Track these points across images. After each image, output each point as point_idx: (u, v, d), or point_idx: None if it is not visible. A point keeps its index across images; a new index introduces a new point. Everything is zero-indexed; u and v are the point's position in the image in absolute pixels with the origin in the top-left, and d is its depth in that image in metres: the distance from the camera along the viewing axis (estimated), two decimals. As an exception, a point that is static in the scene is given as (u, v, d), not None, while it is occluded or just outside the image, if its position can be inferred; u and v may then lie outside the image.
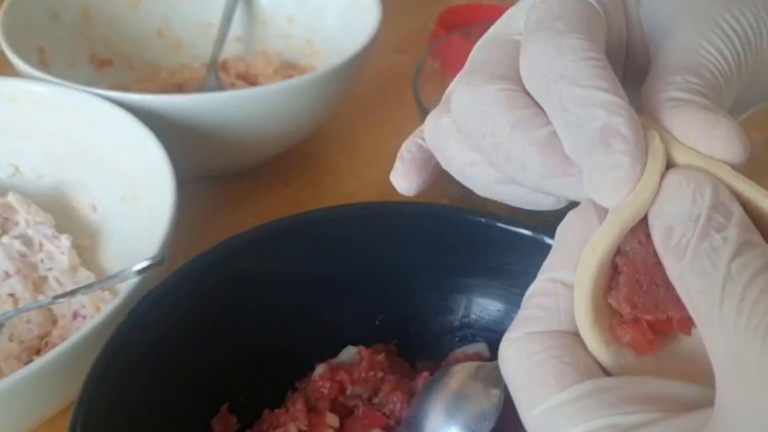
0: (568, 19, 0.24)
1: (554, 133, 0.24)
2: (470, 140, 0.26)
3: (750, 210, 0.22)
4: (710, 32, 0.25)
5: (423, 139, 0.30)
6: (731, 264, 0.20)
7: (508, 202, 0.28)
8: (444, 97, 0.31)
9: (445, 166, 0.29)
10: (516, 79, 0.25)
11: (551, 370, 0.22)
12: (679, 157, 0.22)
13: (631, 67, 0.29)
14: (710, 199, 0.21)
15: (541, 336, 0.23)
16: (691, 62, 0.25)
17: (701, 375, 0.21)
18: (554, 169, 0.24)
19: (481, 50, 0.28)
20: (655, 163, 0.22)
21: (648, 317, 0.22)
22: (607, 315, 0.22)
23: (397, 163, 0.30)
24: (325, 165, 0.69)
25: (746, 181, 0.22)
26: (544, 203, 0.27)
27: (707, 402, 0.20)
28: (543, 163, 0.24)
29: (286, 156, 0.66)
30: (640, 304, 0.22)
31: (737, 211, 0.21)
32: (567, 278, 0.24)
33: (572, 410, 0.21)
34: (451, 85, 0.31)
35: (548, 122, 0.24)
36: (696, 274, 0.20)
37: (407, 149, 0.30)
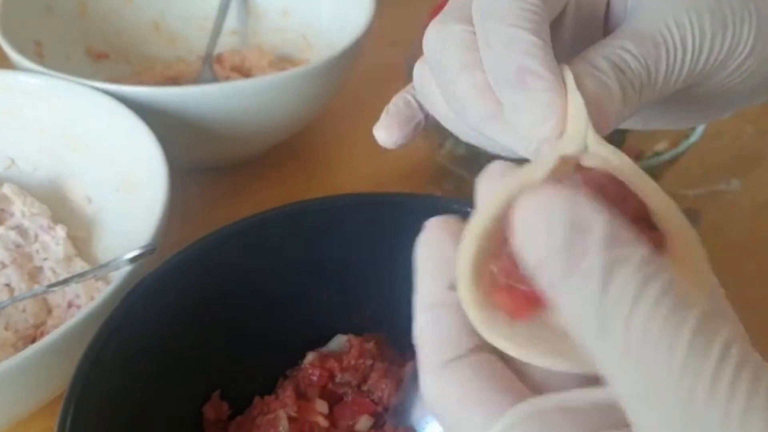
0: None
1: None
2: (433, 76, 0.27)
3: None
4: (683, 11, 0.25)
5: (412, 96, 0.31)
6: (606, 283, 0.17)
7: (485, 148, 0.29)
8: None
9: (432, 112, 0.30)
10: None
11: (478, 401, 0.20)
12: (590, 137, 0.22)
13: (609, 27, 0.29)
14: (566, 218, 0.18)
15: (453, 366, 0.21)
16: (644, 31, 0.25)
17: (569, 348, 0.20)
18: (489, 112, 0.25)
19: None
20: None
21: (521, 287, 0.21)
22: (489, 281, 0.22)
23: (382, 116, 0.31)
24: (320, 157, 0.69)
25: (642, 176, 0.21)
26: (516, 149, 0.26)
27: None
28: (479, 105, 0.25)
29: (280, 148, 0.67)
30: (515, 275, 0.21)
31: (597, 219, 0.18)
32: (441, 300, 0.22)
33: None
34: None
35: None
36: (571, 300, 0.18)
37: (394, 103, 0.31)
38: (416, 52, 0.66)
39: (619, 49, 0.24)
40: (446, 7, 0.28)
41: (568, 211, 0.18)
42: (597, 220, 0.18)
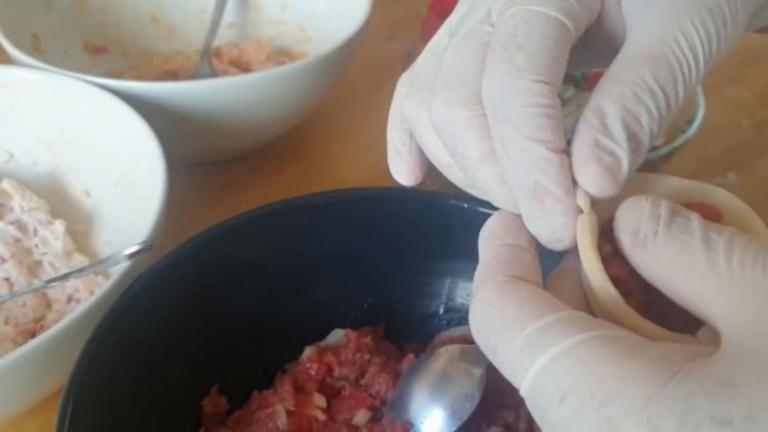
0: (530, 51, 0.25)
1: None
2: (450, 155, 0.28)
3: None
4: (686, 19, 0.25)
5: (405, 129, 0.31)
6: (707, 232, 0.21)
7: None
8: (416, 63, 0.32)
9: (431, 159, 0.30)
10: None
11: (544, 301, 0.22)
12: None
13: (607, 46, 0.29)
14: (667, 206, 0.23)
15: (523, 282, 0.23)
16: (655, 52, 0.25)
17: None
18: (512, 201, 0.26)
19: (455, 55, 0.28)
20: None
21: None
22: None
23: (394, 158, 0.31)
24: (318, 151, 0.69)
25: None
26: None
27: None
28: (503, 196, 0.26)
29: (279, 142, 0.67)
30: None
31: (695, 214, 0.23)
32: (519, 243, 0.25)
33: (570, 324, 0.21)
34: (432, 41, 0.32)
35: None
36: (670, 245, 0.22)
37: (400, 141, 0.31)
38: (414, 52, 0.67)
39: (638, 88, 0.25)
40: (446, 79, 0.27)
41: (669, 203, 0.23)
42: (691, 212, 0.23)
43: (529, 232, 0.26)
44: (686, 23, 0.25)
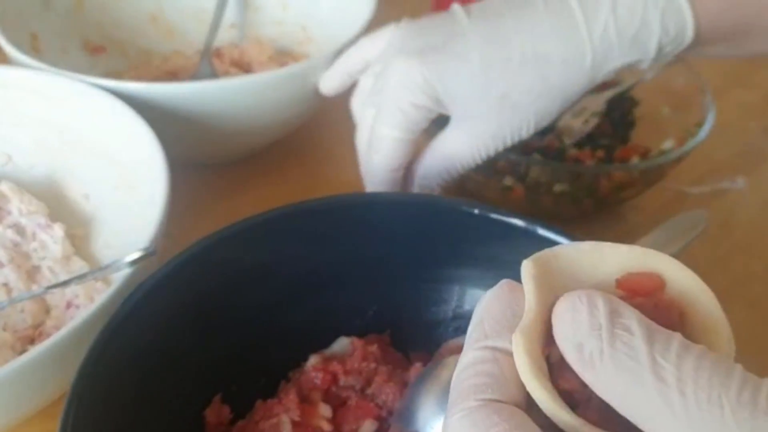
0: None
1: None
2: None
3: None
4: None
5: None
6: (653, 352, 0.20)
7: None
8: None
9: None
10: None
11: None
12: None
13: None
14: (604, 307, 0.22)
15: (497, 406, 0.22)
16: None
17: None
18: None
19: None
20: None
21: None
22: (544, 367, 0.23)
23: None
24: (321, 153, 0.69)
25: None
26: None
27: None
28: None
29: (280, 144, 0.66)
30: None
31: (632, 310, 0.22)
32: (502, 345, 0.23)
33: None
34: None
35: None
36: (619, 373, 0.20)
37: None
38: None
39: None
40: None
41: (606, 300, 0.22)
42: (630, 308, 0.22)
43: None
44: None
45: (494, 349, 0.23)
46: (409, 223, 0.44)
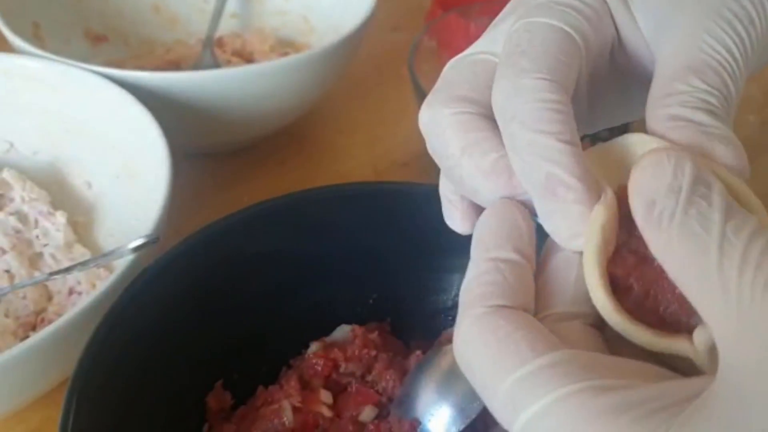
0: (534, 55, 0.25)
1: (502, 157, 0.25)
2: (436, 162, 0.27)
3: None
4: (711, 22, 0.25)
5: None
6: (725, 227, 0.20)
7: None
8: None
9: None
10: (476, 101, 0.26)
11: (523, 339, 0.21)
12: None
13: (635, 69, 0.28)
14: (690, 172, 0.21)
15: (503, 311, 0.22)
16: (693, 61, 0.24)
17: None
18: (501, 193, 0.25)
19: (451, 68, 0.28)
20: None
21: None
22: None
23: (446, 207, 0.30)
24: (321, 143, 0.69)
25: (733, 178, 0.23)
26: None
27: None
28: (490, 188, 0.25)
29: (281, 134, 0.66)
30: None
31: (718, 183, 0.21)
32: (503, 255, 0.23)
33: (552, 374, 0.20)
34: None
35: (497, 146, 0.25)
36: (686, 237, 0.20)
37: (448, 189, 0.30)
38: (420, 45, 0.66)
39: (695, 91, 0.24)
40: (434, 88, 0.27)
41: (694, 166, 0.21)
42: (717, 181, 0.21)
43: (524, 236, 0.24)
44: (713, 27, 0.25)
45: (496, 259, 0.23)
46: (410, 213, 0.44)
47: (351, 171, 0.66)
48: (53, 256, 0.51)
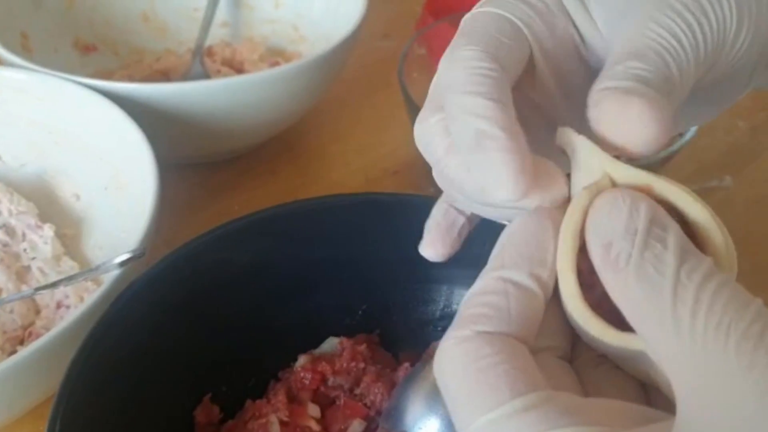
0: (471, 34, 0.25)
1: None
2: (432, 166, 0.28)
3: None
4: (659, 12, 0.25)
5: (450, 203, 0.30)
6: (680, 270, 0.20)
7: (492, 218, 0.28)
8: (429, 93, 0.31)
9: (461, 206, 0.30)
10: None
11: (504, 375, 0.20)
12: (608, 167, 0.23)
13: (595, 65, 0.28)
14: (646, 214, 0.21)
15: (492, 338, 0.21)
16: (635, 47, 0.24)
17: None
18: (479, 189, 0.25)
19: (433, 86, 0.28)
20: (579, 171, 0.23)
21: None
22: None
23: (425, 232, 0.31)
24: (313, 152, 0.69)
25: (680, 187, 0.23)
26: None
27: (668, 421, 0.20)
28: (473, 182, 0.25)
29: (272, 143, 0.66)
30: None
31: (673, 224, 0.21)
32: (517, 278, 0.22)
33: (527, 419, 0.19)
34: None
35: None
36: (641, 280, 0.20)
37: (433, 216, 0.31)
38: (410, 53, 0.65)
39: (632, 69, 0.24)
40: (423, 107, 0.28)
41: (649, 206, 0.21)
42: (672, 221, 0.21)
43: (548, 261, 0.23)
44: (660, 17, 0.25)
45: (507, 280, 0.22)
46: (398, 223, 0.44)
47: (343, 179, 0.66)
48: (41, 270, 0.50)
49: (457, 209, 0.30)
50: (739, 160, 0.68)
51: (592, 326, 0.22)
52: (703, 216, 0.22)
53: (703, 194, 0.64)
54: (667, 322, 0.19)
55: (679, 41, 0.24)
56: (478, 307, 0.22)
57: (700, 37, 0.25)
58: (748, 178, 0.67)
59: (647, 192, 0.22)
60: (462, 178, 0.25)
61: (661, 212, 0.21)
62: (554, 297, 0.23)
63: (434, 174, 0.28)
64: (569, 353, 0.24)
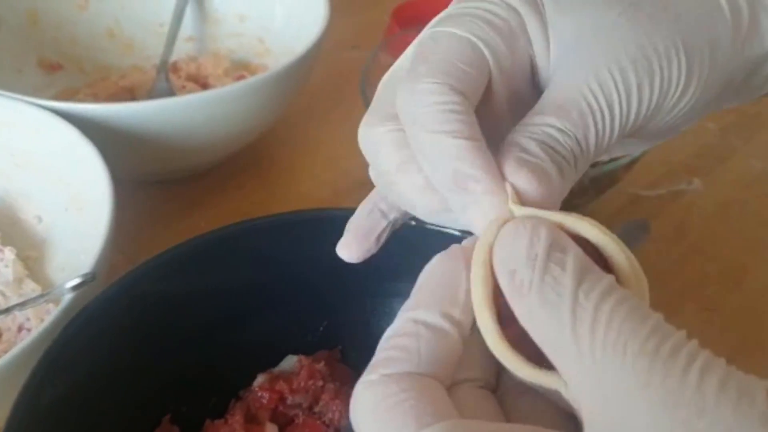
0: (434, 60, 0.25)
1: None
2: (376, 177, 0.27)
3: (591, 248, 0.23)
4: (604, 68, 0.24)
5: (375, 203, 0.30)
6: (577, 291, 0.20)
7: (444, 225, 0.28)
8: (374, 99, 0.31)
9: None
10: None
11: (410, 410, 0.20)
12: (512, 206, 0.23)
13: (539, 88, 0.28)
14: (546, 238, 0.21)
15: (399, 377, 0.21)
16: (565, 100, 0.24)
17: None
18: (434, 208, 0.25)
19: (383, 86, 0.28)
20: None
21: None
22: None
23: (345, 232, 0.31)
24: (279, 165, 0.68)
25: (575, 215, 0.23)
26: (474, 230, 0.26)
27: None
28: (424, 203, 0.25)
29: (239, 157, 0.66)
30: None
31: (574, 246, 0.21)
32: (428, 318, 0.22)
33: None
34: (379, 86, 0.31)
35: None
36: (543, 305, 0.20)
37: (356, 216, 0.31)
38: (377, 62, 0.65)
39: (546, 127, 0.24)
40: (370, 107, 0.28)
41: (549, 231, 0.21)
42: (572, 243, 0.21)
43: (460, 299, 0.23)
44: (603, 73, 0.24)
45: (419, 322, 0.22)
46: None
47: (310, 192, 0.66)
48: (2, 293, 0.50)
49: (381, 211, 0.30)
50: (708, 162, 0.68)
51: (508, 361, 0.22)
52: (601, 237, 0.22)
53: (671, 197, 0.65)
54: (568, 344, 0.19)
55: (610, 107, 0.24)
56: (389, 350, 0.22)
57: (635, 104, 0.25)
58: (717, 180, 0.67)
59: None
60: (415, 198, 0.26)
61: (561, 236, 0.21)
62: (478, 330, 0.23)
63: (372, 175, 0.28)
64: (493, 383, 0.24)
